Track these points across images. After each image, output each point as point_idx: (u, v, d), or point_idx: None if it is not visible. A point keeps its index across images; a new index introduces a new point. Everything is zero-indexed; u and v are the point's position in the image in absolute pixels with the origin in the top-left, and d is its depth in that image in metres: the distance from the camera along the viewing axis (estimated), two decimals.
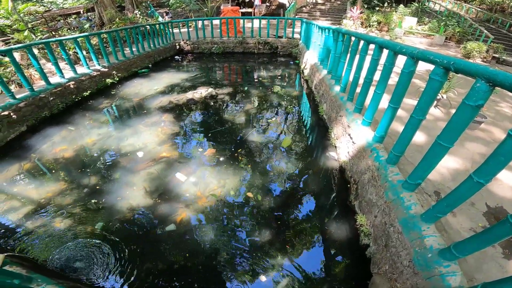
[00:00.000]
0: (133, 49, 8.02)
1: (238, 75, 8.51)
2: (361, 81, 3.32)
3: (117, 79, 6.88)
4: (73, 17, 18.39)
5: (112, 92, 6.49)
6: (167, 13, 17.94)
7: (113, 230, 2.81)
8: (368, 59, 3.17)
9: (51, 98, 5.16)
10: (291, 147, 4.23)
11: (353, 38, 3.62)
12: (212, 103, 5.84)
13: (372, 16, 12.61)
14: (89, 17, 16.58)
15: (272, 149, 4.21)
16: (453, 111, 1.64)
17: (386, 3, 16.03)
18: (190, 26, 13.62)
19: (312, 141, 4.52)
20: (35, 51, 6.45)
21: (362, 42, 3.27)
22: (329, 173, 3.62)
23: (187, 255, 2.54)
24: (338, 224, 2.83)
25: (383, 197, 2.20)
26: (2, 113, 4.38)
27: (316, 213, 3.00)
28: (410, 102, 3.91)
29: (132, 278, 2.34)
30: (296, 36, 10.54)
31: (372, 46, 2.93)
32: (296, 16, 15.62)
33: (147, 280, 2.33)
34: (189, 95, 5.88)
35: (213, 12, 17.39)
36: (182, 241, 2.67)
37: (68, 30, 10.65)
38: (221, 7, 16.69)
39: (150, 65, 8.62)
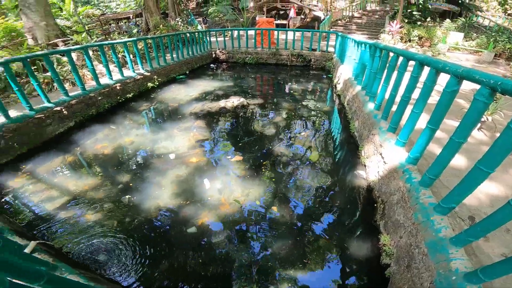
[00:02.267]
0: (174, 55, 8.57)
1: (270, 86, 8.65)
2: (397, 99, 3.22)
3: (157, 83, 7.39)
4: (123, 21, 20.16)
5: (152, 96, 6.97)
6: (205, 22, 18.93)
7: (138, 226, 2.97)
8: (407, 76, 3.07)
9: (99, 98, 5.70)
10: (318, 163, 4.17)
11: (391, 54, 3.53)
12: (243, 113, 5.99)
13: (413, 30, 12.14)
14: (137, 23, 18.02)
15: (298, 163, 4.18)
16: (498, 135, 1.54)
17: (429, 17, 15.34)
18: (226, 35, 14.20)
19: (340, 158, 4.43)
20: (90, 52, 7.19)
21: (401, 58, 3.18)
22: (355, 192, 3.52)
23: (204, 258, 2.60)
24: (359, 242, 2.75)
25: (412, 218, 2.13)
26: (55, 108, 4.93)
27: (338, 230, 2.94)
28: (450, 123, 3.68)
29: (148, 275, 2.44)
30: (330, 49, 10.49)
31: (411, 62, 2.84)
32: (331, 29, 15.56)
33: (162, 278, 2.41)
34: (222, 103, 6.11)
35: (249, 22, 18.00)
36: (201, 244, 2.75)
37: (118, 34, 11.64)
38: (257, 18, 17.22)
39: (187, 72, 9.13)
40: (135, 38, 6.87)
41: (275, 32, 11.24)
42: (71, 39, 8.46)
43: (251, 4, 21.77)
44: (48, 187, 3.68)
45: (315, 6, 21.89)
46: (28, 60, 4.61)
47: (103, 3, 29.83)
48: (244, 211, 3.15)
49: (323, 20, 15.78)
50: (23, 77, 5.98)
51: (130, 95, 6.48)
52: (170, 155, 4.25)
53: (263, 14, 18.68)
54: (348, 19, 18.58)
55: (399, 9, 13.90)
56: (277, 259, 2.59)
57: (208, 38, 11.17)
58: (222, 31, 14.03)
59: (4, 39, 11.41)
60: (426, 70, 2.51)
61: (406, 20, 14.30)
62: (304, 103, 6.71)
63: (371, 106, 4.24)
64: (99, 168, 4.09)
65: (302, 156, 4.39)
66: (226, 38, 12.40)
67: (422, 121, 3.19)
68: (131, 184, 3.64)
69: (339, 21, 18.12)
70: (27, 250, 1.99)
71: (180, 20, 16.34)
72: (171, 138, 4.81)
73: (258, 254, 2.66)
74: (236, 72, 10.11)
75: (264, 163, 4.10)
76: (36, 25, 8.15)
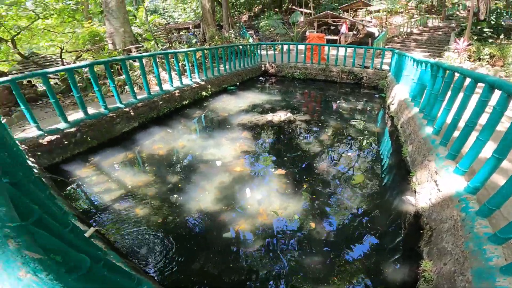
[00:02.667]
0: (226, 66, 9.05)
1: (317, 103, 8.58)
2: (460, 124, 3.01)
3: (210, 93, 7.88)
4: (184, 31, 22.07)
5: (204, 104, 7.44)
6: (256, 35, 19.63)
7: (179, 225, 3.19)
8: (473, 99, 2.84)
9: (161, 102, 6.29)
10: (362, 185, 4.02)
11: (456, 75, 3.29)
12: (289, 128, 6.03)
13: (483, 48, 10.99)
14: (195, 33, 19.52)
15: (341, 183, 4.10)
16: None
17: (503, 34, 13.73)
18: (276, 49, 14.53)
19: (387, 182, 4.21)
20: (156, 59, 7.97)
21: (468, 80, 2.94)
22: (400, 217, 3.34)
23: (235, 263, 2.68)
24: (397, 267, 2.65)
25: (461, 246, 2.06)
26: (125, 109, 5.55)
27: (375, 253, 2.83)
28: None
29: (180, 273, 2.57)
30: (385, 67, 9.99)
31: (480, 84, 2.63)
32: (386, 46, 14.87)
33: (192, 278, 2.53)
34: (269, 117, 6.23)
35: (299, 37, 18.18)
36: (234, 249, 2.85)
37: (179, 43, 12.70)
38: (307, 33, 17.30)
39: (237, 83, 9.54)
40: (194, 48, 7.46)
41: (326, 48, 11.15)
42: (142, 46, 9.41)
43: (302, 19, 22.03)
44: (108, 179, 4.17)
45: (369, 22, 21.24)
46: (109, 63, 5.30)
47: (168, 13, 33.02)
48: (280, 223, 3.19)
49: (378, 36, 15.19)
50: (101, 79, 6.87)
51: (186, 102, 7.02)
52: (216, 162, 4.49)
53: (314, 29, 18.71)
54: (406, 36, 17.60)
55: (466, 25, 12.74)
56: (308, 276, 2.57)
57: (259, 51, 11.54)
58: (273, 45, 14.42)
59: (88, 42, 13.25)
60: (497, 93, 2.31)
61: (475, 37, 13.01)
62: (352, 122, 6.50)
63: (428, 130, 3.98)
64: (153, 167, 4.49)
65: (346, 176, 4.28)
66: (276, 52, 12.69)
67: (487, 149, 2.97)
68: (179, 185, 3.92)
69: (396, 38, 17.26)
70: (86, 235, 2.20)
71: (233, 32, 17.23)
72: (219, 146, 5.06)
73: (289, 267, 2.66)
74: (284, 87, 10.21)
75: (306, 179, 4.09)
76: (116, 31, 9.21)
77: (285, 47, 14.19)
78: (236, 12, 30.19)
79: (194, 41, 13.46)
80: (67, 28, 16.44)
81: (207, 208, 3.43)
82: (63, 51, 9.15)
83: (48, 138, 4.44)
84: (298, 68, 10.91)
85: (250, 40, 16.26)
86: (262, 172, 4.31)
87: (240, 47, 10.12)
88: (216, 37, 13.86)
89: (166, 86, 6.74)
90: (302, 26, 20.07)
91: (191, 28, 23.13)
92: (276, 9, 26.77)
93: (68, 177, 4.24)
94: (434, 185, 3.05)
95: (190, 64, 7.64)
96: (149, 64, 7.63)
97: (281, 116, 6.22)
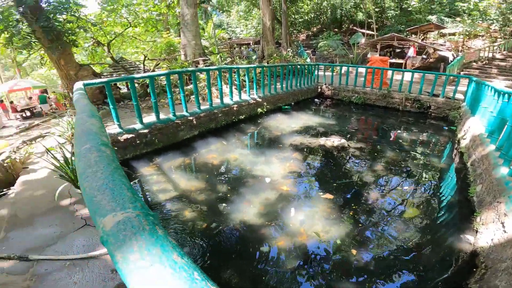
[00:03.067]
0: (283, 85, 9.23)
1: (375, 131, 8.12)
2: None
3: (265, 110, 8.08)
4: (244, 46, 23.40)
5: (259, 121, 7.68)
6: (313, 54, 19.68)
7: (222, 232, 3.34)
8: None
9: (220, 115, 6.73)
10: (415, 219, 3.75)
11: None
12: (342, 154, 5.85)
13: None
14: (254, 49, 20.49)
15: (391, 215, 3.88)
16: None
17: None
18: (334, 70, 14.30)
19: (444, 219, 3.87)
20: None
21: None
22: (452, 254, 3.16)
23: (268, 278, 2.71)
24: None
25: None
26: (189, 118, 6.08)
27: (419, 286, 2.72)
28: None
29: (215, 278, 2.64)
30: (458, 96, 8.93)
31: None
32: (462, 73, 13.39)
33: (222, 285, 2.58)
34: (322, 141, 6.15)
35: (359, 59, 17.63)
36: (270, 264, 2.88)
37: (239, 58, 13.51)
38: (368, 55, 16.68)
39: (292, 103, 9.56)
40: (255, 65, 7.84)
41: (389, 72, 10.55)
42: (209, 59, 10.29)
43: (363, 41, 21.37)
44: (165, 180, 4.61)
45: (441, 45, 19.49)
46: (182, 74, 5.94)
47: (231, 28, 35.52)
48: (320, 246, 3.15)
49: (452, 61, 13.80)
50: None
51: (242, 117, 7.36)
52: (265, 179, 4.58)
53: (376, 51, 17.93)
54: (487, 61, 15.60)
55: None
56: None
57: (316, 71, 11.49)
58: (331, 66, 14.24)
59: (164, 51, 14.98)
60: None
61: None
62: (413, 155, 5.98)
63: (504, 170, 3.66)
64: (206, 175, 4.80)
65: (397, 209, 4.05)
66: (333, 74, 12.48)
67: None
68: (228, 195, 4.12)
69: (474, 63, 15.43)
70: None
71: (291, 50, 17.59)
72: (269, 164, 5.16)
73: None
74: (339, 110, 9.93)
75: (353, 206, 3.96)
76: (188, 43, 10.25)
77: (344, 69, 13.89)
78: (294, 31, 30.89)
79: (254, 57, 14.10)
80: (149, 37, 18.83)
81: (250, 220, 3.54)
82: (146, 58, 10.52)
83: (125, 136, 5.11)
84: (356, 92, 10.49)
85: (308, 59, 16.36)
86: (308, 193, 4.30)
87: (298, 66, 10.24)
88: (275, 54, 14.33)
89: (226, 100, 7.19)
90: (363, 48, 19.44)
91: (251, 44, 24.34)
92: (336, 29, 26.56)
93: (133, 172, 4.81)
94: (500, 226, 3.00)
95: (249, 80, 8.02)
96: (213, 77, 8.28)
97: (334, 141, 6.07)
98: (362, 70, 11.13)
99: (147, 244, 0.53)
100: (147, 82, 7.90)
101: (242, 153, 5.68)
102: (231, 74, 7.05)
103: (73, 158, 3.13)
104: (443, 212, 4.05)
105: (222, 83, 7.34)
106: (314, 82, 11.20)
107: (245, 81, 8.00)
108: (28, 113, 11.90)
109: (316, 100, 11.04)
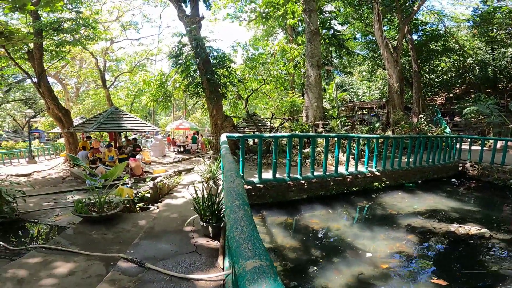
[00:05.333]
0: (410, 159, 8.11)
1: None
2: None
3: (383, 185, 7.23)
4: (366, 110, 22.51)
5: (373, 196, 6.98)
6: (451, 119, 16.56)
7: None
8: None
9: (331, 183, 6.67)
10: None
11: None
12: (478, 244, 4.70)
13: None
14: (378, 114, 19.33)
15: None
16: None
17: None
18: (486, 144, 11.39)
19: None
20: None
21: None
22: None
23: None
24: None
25: None
26: (301, 181, 6.36)
27: None
28: None
29: None
30: None
31: None
32: None
33: None
34: (452, 227, 5.05)
35: None
36: None
37: (360, 124, 13.04)
38: None
39: (419, 181, 8.11)
40: (377, 135, 7.40)
41: None
42: (328, 124, 10.33)
43: None
44: (265, 232, 4.88)
45: None
46: (303, 138, 6.44)
47: (352, 89, 35.59)
48: None
49: None
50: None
51: (355, 189, 6.94)
52: (366, 253, 4.19)
53: None
54: None
55: None
56: None
57: (457, 145, 9.54)
58: (481, 139, 11.46)
59: (288, 110, 16.54)
60: None
61: None
62: None
63: None
64: (303, 236, 4.82)
65: None
66: (484, 148, 9.93)
67: None
68: (320, 260, 3.98)
69: None
70: None
71: (424, 117, 15.49)
72: (374, 240, 4.73)
73: None
74: (486, 195, 7.94)
75: None
76: (310, 105, 10.60)
77: (500, 143, 10.86)
78: (429, 93, 27.33)
79: (377, 124, 13.18)
80: (276, 93, 21.27)
81: None
82: (273, 116, 12.01)
83: (245, 187, 5.92)
84: None
85: (447, 129, 13.88)
86: (415, 276, 3.78)
87: (433, 139, 8.85)
88: (402, 122, 12.95)
89: (341, 169, 7.06)
90: None
91: (374, 108, 23.30)
92: (489, 90, 21.53)
93: None
94: None
95: (369, 151, 7.62)
96: (331, 143, 8.42)
97: (471, 229, 4.90)
98: None
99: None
100: (271, 140, 9.01)
101: (346, 224, 5.43)
102: (350, 143, 6.99)
103: (205, 196, 3.85)
104: None
105: (339, 150, 7.36)
106: (453, 158, 9.23)
107: (364, 151, 7.68)
108: (181, 149, 16.10)
109: (453, 180, 8.92)
